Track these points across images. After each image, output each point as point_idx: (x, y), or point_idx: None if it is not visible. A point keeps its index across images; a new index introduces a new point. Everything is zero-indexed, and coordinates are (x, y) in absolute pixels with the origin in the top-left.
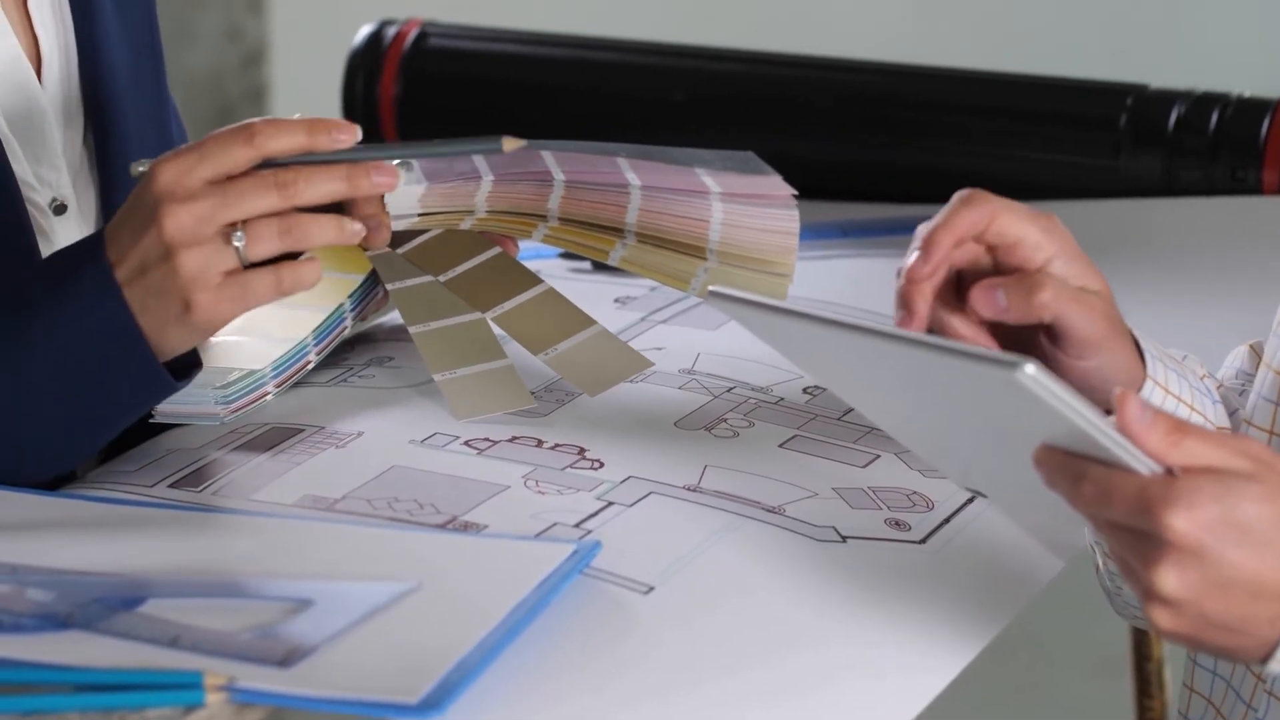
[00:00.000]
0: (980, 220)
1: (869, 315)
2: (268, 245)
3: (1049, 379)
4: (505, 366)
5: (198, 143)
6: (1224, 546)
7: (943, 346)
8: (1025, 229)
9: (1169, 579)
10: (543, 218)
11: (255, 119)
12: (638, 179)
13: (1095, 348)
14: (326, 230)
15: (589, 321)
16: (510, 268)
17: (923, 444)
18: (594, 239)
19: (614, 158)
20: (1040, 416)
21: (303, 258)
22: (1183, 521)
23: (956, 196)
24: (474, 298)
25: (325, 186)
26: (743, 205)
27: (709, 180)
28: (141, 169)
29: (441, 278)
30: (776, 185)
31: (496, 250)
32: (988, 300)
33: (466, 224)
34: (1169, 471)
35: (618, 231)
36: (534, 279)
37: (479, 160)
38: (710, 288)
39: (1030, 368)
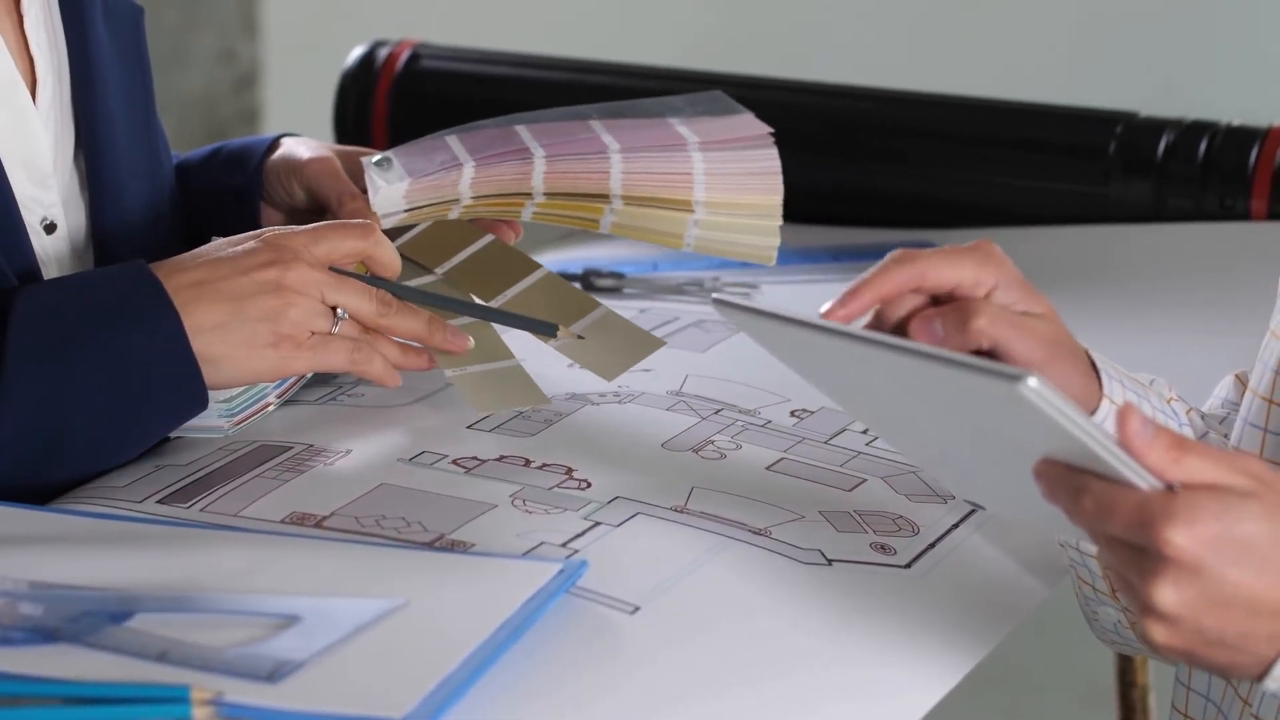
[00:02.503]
0: (909, 279)
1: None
2: (350, 333)
3: (1051, 392)
4: (514, 366)
5: (310, 226)
6: (1223, 563)
7: (946, 358)
8: (960, 272)
9: (1167, 594)
10: (529, 195)
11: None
12: (616, 142)
13: (1038, 370)
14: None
15: (593, 303)
16: (506, 254)
17: (922, 454)
18: (582, 209)
19: (588, 122)
20: (1042, 429)
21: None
22: (1182, 537)
23: (889, 255)
24: (474, 290)
25: (409, 325)
26: (721, 151)
27: (684, 131)
28: None
29: (438, 270)
30: (751, 124)
31: (490, 238)
32: (926, 331)
33: (455, 213)
34: (1169, 487)
35: (604, 198)
36: (532, 264)
37: (458, 147)
38: (715, 295)
39: (1033, 380)
